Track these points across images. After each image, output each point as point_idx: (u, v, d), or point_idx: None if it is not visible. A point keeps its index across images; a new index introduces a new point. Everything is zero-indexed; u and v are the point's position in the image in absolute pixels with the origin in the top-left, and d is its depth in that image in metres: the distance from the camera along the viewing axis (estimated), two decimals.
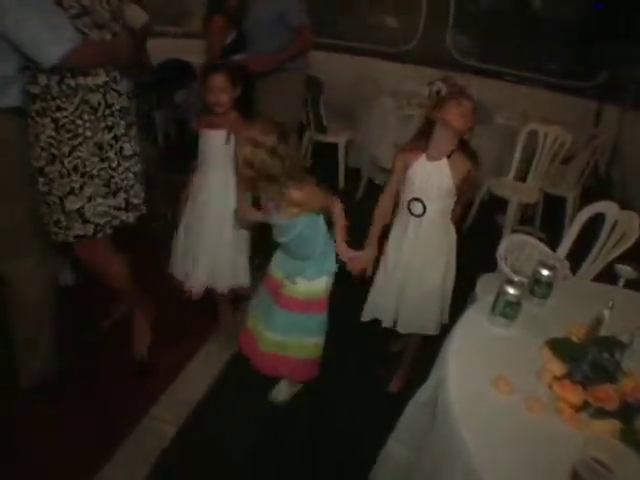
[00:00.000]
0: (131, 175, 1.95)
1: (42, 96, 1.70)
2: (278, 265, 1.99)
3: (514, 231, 3.21)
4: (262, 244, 2.24)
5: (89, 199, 1.83)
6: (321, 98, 4.10)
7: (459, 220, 2.05)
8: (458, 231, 2.02)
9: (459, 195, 1.90)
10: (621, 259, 2.01)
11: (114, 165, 1.87)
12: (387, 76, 4.56)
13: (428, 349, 1.67)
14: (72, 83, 1.70)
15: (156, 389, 2.10)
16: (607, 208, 2.09)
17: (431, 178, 1.84)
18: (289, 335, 1.94)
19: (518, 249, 2.17)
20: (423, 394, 1.36)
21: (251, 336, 2.05)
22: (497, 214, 3.72)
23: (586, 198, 3.17)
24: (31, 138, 1.75)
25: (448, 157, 1.83)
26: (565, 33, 4.50)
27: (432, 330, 2.01)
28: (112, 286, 2.15)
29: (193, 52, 4.11)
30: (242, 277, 2.29)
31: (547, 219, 3.70)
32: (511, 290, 1.35)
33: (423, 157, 1.86)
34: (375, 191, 2.38)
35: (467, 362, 1.25)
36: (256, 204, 1.95)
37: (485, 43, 4.93)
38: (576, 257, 2.12)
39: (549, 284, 1.48)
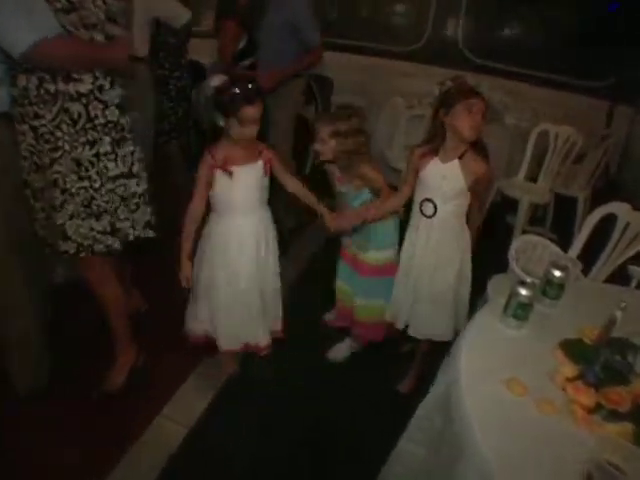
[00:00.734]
0: (117, 198, 1.77)
1: (20, 100, 1.58)
2: (348, 242, 2.23)
3: (525, 232, 3.20)
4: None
5: (70, 217, 1.70)
6: (332, 98, 4.11)
7: (478, 229, 2.02)
8: (477, 240, 2.00)
9: (473, 197, 1.89)
10: (634, 260, 2.01)
11: (96, 186, 1.70)
12: (397, 76, 4.56)
13: (440, 351, 1.64)
14: (51, 88, 1.56)
15: (158, 397, 2.08)
16: (619, 209, 2.08)
17: (443, 179, 1.84)
18: (371, 299, 2.17)
19: (530, 250, 2.16)
20: (434, 394, 1.36)
21: (346, 309, 2.30)
22: (508, 214, 3.71)
23: (597, 199, 3.14)
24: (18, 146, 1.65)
25: (459, 158, 1.83)
26: (578, 33, 4.47)
27: (443, 336, 2.00)
28: (105, 311, 1.96)
29: (203, 52, 4.12)
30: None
31: (558, 220, 3.67)
32: (523, 291, 1.35)
33: (436, 158, 1.86)
34: None
35: (479, 363, 1.25)
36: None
37: (495, 41, 4.91)
38: (587, 258, 2.11)
39: (561, 285, 1.47)
